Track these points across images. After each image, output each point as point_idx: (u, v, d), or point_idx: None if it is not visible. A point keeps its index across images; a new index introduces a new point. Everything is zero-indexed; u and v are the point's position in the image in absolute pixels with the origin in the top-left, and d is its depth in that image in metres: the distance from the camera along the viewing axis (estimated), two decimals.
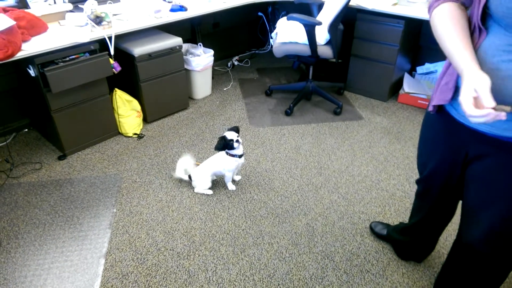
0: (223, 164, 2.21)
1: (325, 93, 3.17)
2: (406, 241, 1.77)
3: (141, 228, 2.01)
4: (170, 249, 1.89)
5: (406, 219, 2.06)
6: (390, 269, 1.79)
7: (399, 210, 2.12)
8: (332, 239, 1.94)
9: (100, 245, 1.91)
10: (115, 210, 2.13)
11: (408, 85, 3.27)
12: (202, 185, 2.24)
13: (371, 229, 1.99)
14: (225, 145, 2.13)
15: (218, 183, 2.34)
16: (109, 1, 2.68)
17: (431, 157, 1.38)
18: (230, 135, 2.13)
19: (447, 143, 1.28)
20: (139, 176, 2.39)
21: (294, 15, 2.59)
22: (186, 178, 2.30)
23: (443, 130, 1.28)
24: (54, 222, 2.05)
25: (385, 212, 2.11)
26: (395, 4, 2.95)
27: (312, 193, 2.26)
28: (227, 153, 2.18)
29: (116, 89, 2.69)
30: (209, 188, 2.26)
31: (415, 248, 1.77)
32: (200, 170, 2.24)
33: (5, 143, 2.69)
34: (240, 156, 2.20)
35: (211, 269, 1.78)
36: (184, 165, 2.32)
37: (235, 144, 2.13)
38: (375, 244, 1.92)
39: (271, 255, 1.86)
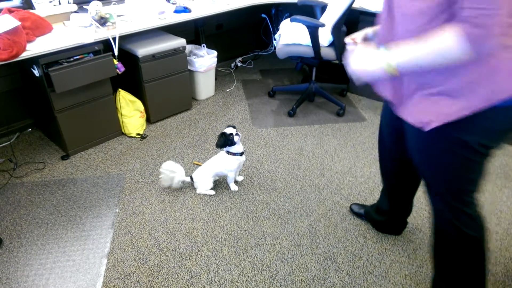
0: (225, 164, 2.20)
1: (328, 94, 3.17)
2: (383, 219, 1.94)
3: (143, 228, 2.01)
4: (172, 250, 1.89)
5: (409, 220, 2.05)
6: (393, 271, 1.78)
7: None
8: (335, 241, 1.94)
9: (102, 245, 1.92)
10: (117, 210, 2.13)
11: None
12: (204, 186, 2.24)
13: (351, 210, 2.13)
14: (225, 140, 2.12)
15: (220, 183, 2.34)
16: (114, 2, 2.70)
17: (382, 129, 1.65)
18: (229, 130, 2.14)
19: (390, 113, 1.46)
20: (141, 176, 2.39)
21: (298, 17, 2.59)
22: (177, 183, 2.23)
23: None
24: (57, 221, 2.05)
25: None
26: None
27: (315, 194, 2.26)
28: (228, 152, 2.17)
29: (119, 89, 2.70)
30: (211, 189, 2.26)
31: (392, 221, 1.92)
32: (202, 171, 2.24)
33: (8, 142, 2.71)
34: (241, 154, 2.19)
35: (213, 270, 1.78)
36: (171, 170, 2.19)
37: (235, 138, 2.12)
38: (377, 245, 1.91)
39: (273, 256, 1.85)
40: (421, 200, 2.20)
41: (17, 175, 2.40)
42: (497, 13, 0.85)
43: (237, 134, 2.13)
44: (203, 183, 2.23)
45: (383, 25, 1.18)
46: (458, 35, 0.92)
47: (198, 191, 2.26)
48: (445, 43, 0.94)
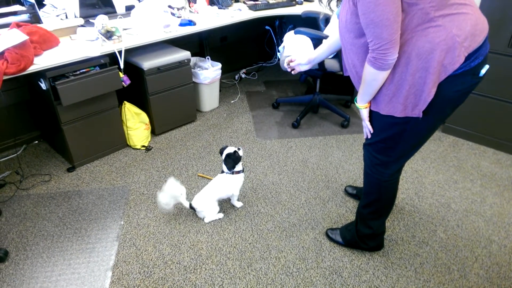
0: (231, 185, 2.14)
1: (332, 106, 3.18)
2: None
3: (148, 241, 2.01)
4: (177, 263, 1.88)
5: (415, 234, 2.04)
6: (399, 285, 1.76)
7: (408, 225, 2.10)
8: (340, 254, 1.92)
9: (107, 257, 1.92)
10: (122, 223, 2.13)
11: None
12: (211, 213, 2.13)
13: (345, 191, 2.35)
14: (235, 159, 2.09)
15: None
16: (120, 16, 2.74)
17: None
18: (230, 149, 2.10)
19: None
20: (146, 188, 2.40)
21: (301, 29, 2.61)
22: (171, 205, 2.10)
23: None
24: (62, 234, 2.06)
25: (394, 226, 2.09)
26: None
27: (320, 206, 2.25)
28: (232, 172, 2.13)
29: (125, 101, 2.72)
30: (218, 212, 2.18)
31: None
32: (205, 198, 2.10)
33: (15, 154, 2.73)
34: (243, 170, 2.18)
35: (218, 284, 1.77)
36: (172, 191, 2.07)
37: (240, 153, 2.11)
38: (383, 259, 1.89)
39: (278, 270, 1.84)
40: (427, 213, 2.18)
41: (24, 187, 2.42)
42: (381, 42, 1.24)
43: (239, 149, 2.12)
44: (210, 210, 2.12)
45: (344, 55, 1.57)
46: (367, 63, 1.34)
47: (206, 220, 2.13)
48: (365, 71, 1.37)
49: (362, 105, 1.53)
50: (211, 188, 2.13)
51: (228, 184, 2.14)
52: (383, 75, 1.34)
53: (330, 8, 1.57)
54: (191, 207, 2.11)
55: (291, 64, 1.91)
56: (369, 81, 1.38)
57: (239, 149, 2.12)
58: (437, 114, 1.41)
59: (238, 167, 2.14)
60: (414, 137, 1.50)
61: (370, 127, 1.58)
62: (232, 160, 2.09)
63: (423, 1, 1.22)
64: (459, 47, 1.26)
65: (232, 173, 2.13)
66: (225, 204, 2.27)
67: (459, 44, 1.25)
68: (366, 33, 1.29)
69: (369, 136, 1.62)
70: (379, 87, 1.40)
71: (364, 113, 1.56)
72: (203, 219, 2.15)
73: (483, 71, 1.36)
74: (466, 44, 1.26)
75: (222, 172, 2.16)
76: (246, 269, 1.85)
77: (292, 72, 1.94)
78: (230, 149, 2.10)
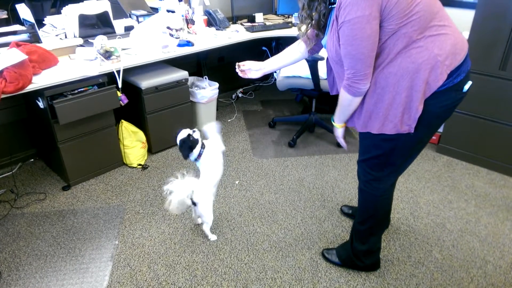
0: (217, 148, 2.04)
1: (328, 125, 3.20)
2: None
3: (142, 261, 1.99)
4: (172, 283, 1.86)
5: (411, 254, 2.03)
6: None
7: (403, 245, 2.10)
8: (337, 275, 1.91)
9: (101, 278, 1.89)
10: (117, 242, 2.12)
11: None
12: (208, 208, 1.99)
13: (341, 211, 2.37)
14: (191, 144, 1.96)
15: (220, 215, 2.33)
16: (119, 36, 2.78)
17: None
18: (183, 133, 1.97)
19: None
20: (142, 207, 2.39)
21: None
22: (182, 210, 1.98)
23: None
24: (56, 253, 2.03)
25: (389, 247, 2.09)
26: None
27: (316, 226, 2.25)
28: (199, 155, 1.99)
29: (122, 120, 2.74)
30: (213, 234, 2.14)
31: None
32: (204, 188, 1.96)
33: (10, 172, 2.72)
34: (203, 147, 2.04)
35: None
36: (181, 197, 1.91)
37: (195, 135, 1.99)
38: (379, 280, 1.88)
39: None
40: (422, 233, 2.18)
41: (18, 205, 2.40)
42: (355, 72, 1.36)
43: (194, 131, 2.00)
44: (208, 203, 1.99)
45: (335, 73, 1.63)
46: (343, 88, 1.45)
47: (204, 228, 2.08)
48: (341, 96, 1.49)
49: (339, 124, 1.66)
50: (206, 174, 2.03)
51: (213, 164, 2.03)
52: (357, 100, 1.46)
53: (307, 37, 1.68)
54: (192, 203, 1.97)
55: (242, 67, 1.89)
56: (345, 105, 1.51)
57: (194, 131, 1.99)
58: (425, 129, 1.48)
59: (197, 150, 1.99)
60: (406, 152, 1.57)
61: (344, 144, 1.75)
62: (187, 145, 1.95)
63: (406, 26, 1.30)
64: (441, 66, 1.34)
65: (196, 160, 2.01)
66: (221, 223, 2.26)
67: (440, 63, 1.33)
68: (343, 61, 1.39)
69: (344, 147, 1.79)
70: (353, 111, 1.53)
71: (340, 132, 1.70)
72: (201, 226, 2.11)
73: (466, 87, 1.44)
74: (448, 62, 1.35)
75: (196, 160, 2.04)
76: None
77: (241, 75, 1.90)
78: (183, 133, 1.96)
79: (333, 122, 1.68)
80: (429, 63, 1.33)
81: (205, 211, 2.02)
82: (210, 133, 2.16)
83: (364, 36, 1.28)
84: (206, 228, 2.10)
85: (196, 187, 1.96)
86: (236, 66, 1.90)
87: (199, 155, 2.03)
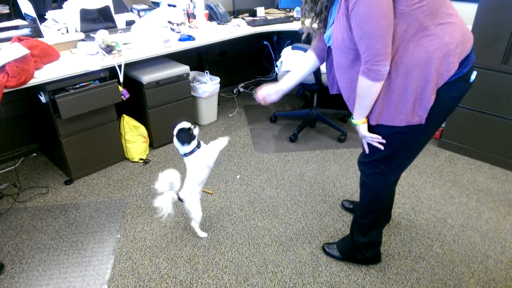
0: (208, 158, 2.00)
1: (330, 120, 3.20)
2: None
3: (144, 255, 2.01)
4: (173, 277, 1.88)
5: (412, 249, 2.04)
6: None
7: (404, 240, 2.10)
8: (337, 269, 1.92)
9: (103, 271, 1.91)
10: (119, 236, 2.13)
11: None
12: (196, 204, 2.01)
13: (342, 206, 2.37)
14: (190, 135, 1.93)
15: (221, 209, 2.34)
16: (120, 31, 2.78)
17: None
18: (184, 124, 1.95)
19: None
20: (143, 202, 2.40)
21: (299, 44, 2.65)
22: (170, 194, 1.93)
23: None
24: (59, 247, 2.05)
25: (390, 241, 2.09)
26: None
27: (317, 221, 2.25)
28: (193, 151, 1.96)
29: (124, 115, 2.74)
30: (203, 231, 2.13)
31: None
32: (190, 188, 1.97)
33: (13, 167, 2.73)
34: (198, 146, 2.01)
35: None
36: (169, 179, 1.91)
37: (195, 131, 1.97)
38: (380, 274, 1.89)
39: (274, 285, 1.84)
40: (424, 228, 2.19)
41: (21, 199, 2.41)
42: (374, 53, 1.29)
43: (194, 126, 1.98)
44: (194, 200, 2.00)
45: (337, 73, 1.59)
46: (361, 75, 1.37)
47: (193, 224, 2.09)
48: (360, 84, 1.40)
49: (359, 121, 1.53)
50: (192, 174, 2.01)
51: (202, 161, 2.00)
52: (377, 87, 1.37)
53: (312, 29, 1.58)
54: (179, 199, 1.98)
55: (259, 92, 1.82)
56: (364, 95, 1.41)
57: (194, 126, 1.98)
58: (434, 121, 1.45)
59: (192, 145, 1.96)
60: (414, 145, 1.56)
61: (377, 136, 1.53)
62: (188, 134, 1.92)
63: (417, 11, 1.27)
64: (453, 54, 1.32)
65: (186, 155, 1.97)
66: (222, 218, 2.27)
67: (452, 51, 1.31)
68: (359, 46, 1.33)
69: (367, 151, 1.63)
70: (374, 101, 1.42)
71: (363, 129, 1.54)
72: (190, 223, 2.12)
73: (472, 77, 1.43)
74: (458, 51, 1.33)
75: (185, 155, 1.99)
76: (243, 283, 1.84)
77: (262, 103, 1.83)
78: (185, 124, 1.94)
79: (352, 121, 1.58)
80: (441, 51, 1.31)
81: (192, 208, 2.01)
82: (213, 144, 2.09)
83: (382, 12, 1.23)
84: (195, 225, 2.10)
85: (184, 185, 1.99)
86: (256, 98, 1.84)
87: (192, 151, 1.97)
